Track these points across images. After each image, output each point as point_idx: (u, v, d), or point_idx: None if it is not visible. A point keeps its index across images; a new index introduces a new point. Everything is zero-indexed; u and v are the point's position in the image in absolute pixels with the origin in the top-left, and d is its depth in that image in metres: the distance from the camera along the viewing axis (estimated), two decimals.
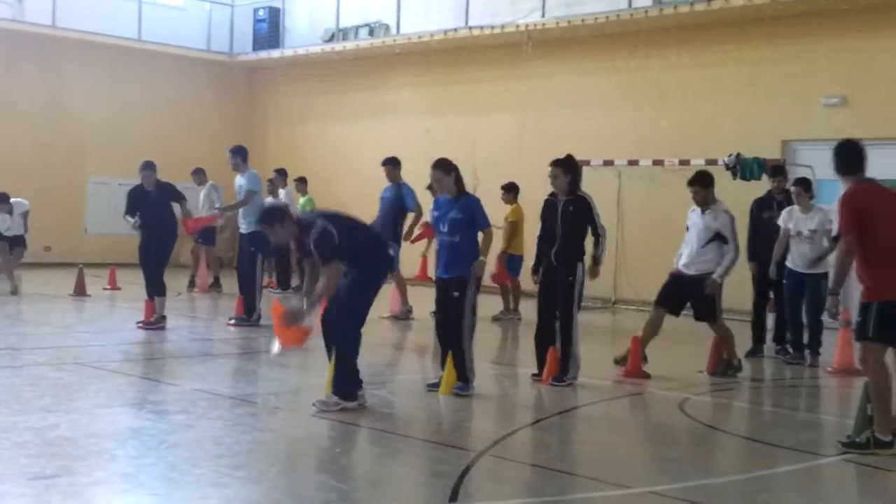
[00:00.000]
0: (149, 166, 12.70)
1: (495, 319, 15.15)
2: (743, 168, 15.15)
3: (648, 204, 17.82)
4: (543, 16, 19.19)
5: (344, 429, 7.55)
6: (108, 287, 17.34)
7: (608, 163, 17.72)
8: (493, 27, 19.75)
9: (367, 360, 8.50)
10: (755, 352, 12.11)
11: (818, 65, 16.53)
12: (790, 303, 11.62)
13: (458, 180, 9.02)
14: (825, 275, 11.08)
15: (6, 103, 21.73)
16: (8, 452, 6.41)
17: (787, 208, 11.61)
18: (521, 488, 6.29)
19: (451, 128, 20.99)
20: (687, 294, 10.56)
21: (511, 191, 15.55)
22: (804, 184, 11.52)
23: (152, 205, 12.56)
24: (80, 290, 16.13)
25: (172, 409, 8.03)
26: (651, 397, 9.57)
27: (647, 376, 10.19)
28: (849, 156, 7.43)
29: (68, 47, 22.35)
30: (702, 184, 10.59)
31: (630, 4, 18.07)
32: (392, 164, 14.40)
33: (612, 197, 17.94)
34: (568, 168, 9.68)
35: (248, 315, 13.13)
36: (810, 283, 11.36)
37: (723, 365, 10.58)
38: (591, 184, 17.41)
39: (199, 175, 18.16)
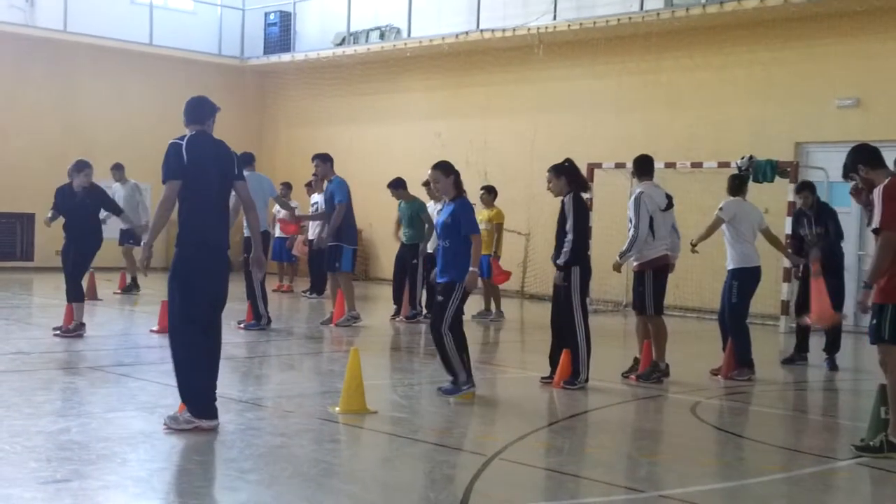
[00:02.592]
0: (77, 166, 12.18)
1: (490, 319, 15.30)
2: (756, 170, 15.08)
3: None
4: (555, 18, 19.17)
5: (355, 432, 7.53)
6: (119, 291, 17.37)
7: (620, 165, 17.66)
8: (504, 30, 19.75)
9: (376, 362, 8.45)
10: (794, 359, 11.92)
11: (831, 67, 16.48)
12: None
13: (458, 184, 8.99)
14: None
15: (17, 107, 21.83)
16: (19, 456, 6.41)
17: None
18: (532, 492, 6.25)
19: (462, 131, 20.98)
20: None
21: (492, 192, 15.59)
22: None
23: (79, 207, 12.09)
24: (91, 295, 16.14)
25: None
26: (663, 400, 9.53)
27: (659, 381, 10.16)
28: (876, 150, 7.43)
29: (79, 52, 22.43)
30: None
31: (642, 7, 18.04)
32: (321, 160, 14.13)
33: (623, 199, 17.83)
34: (558, 172, 9.78)
35: (257, 321, 13.15)
36: (726, 282, 10.87)
37: (650, 367, 10.23)
38: (603, 186, 17.56)
39: (119, 172, 17.41)
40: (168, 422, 7.22)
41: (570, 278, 9.60)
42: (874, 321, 7.11)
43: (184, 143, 7.27)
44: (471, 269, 8.74)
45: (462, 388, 8.82)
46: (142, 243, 7.37)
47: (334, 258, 13.74)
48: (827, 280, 11.46)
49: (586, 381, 9.61)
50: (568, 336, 9.64)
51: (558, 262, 9.67)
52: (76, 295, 11.99)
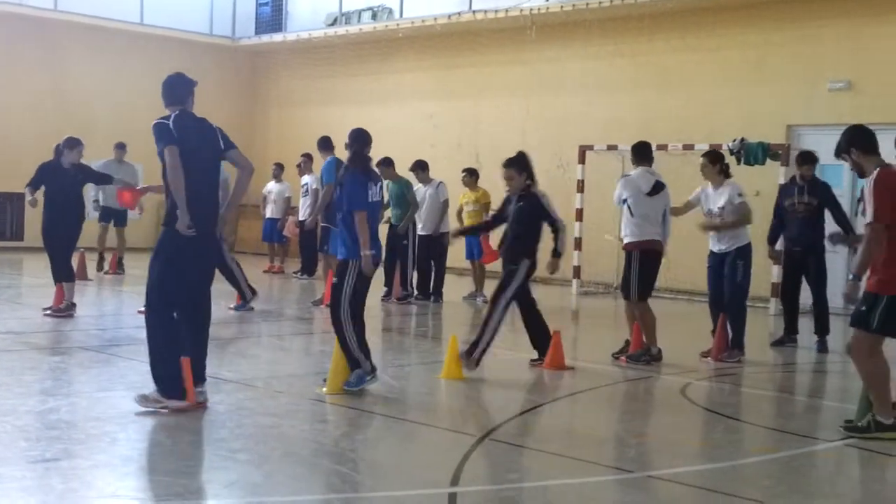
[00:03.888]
0: (69, 143, 12.10)
1: (483, 301, 15.33)
2: (747, 153, 15.07)
3: None
4: (547, 0, 19.10)
5: (345, 413, 7.54)
6: (110, 271, 17.33)
7: (611, 147, 17.65)
8: (496, 11, 19.66)
9: (372, 345, 8.46)
10: (783, 341, 11.90)
11: (824, 49, 16.46)
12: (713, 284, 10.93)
13: (353, 156, 8.50)
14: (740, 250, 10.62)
15: (9, 88, 21.70)
16: (8, 436, 6.40)
17: (701, 189, 10.90)
18: (522, 473, 6.27)
19: (455, 112, 20.94)
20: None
21: (474, 174, 15.72)
22: (711, 156, 10.80)
23: (69, 184, 11.99)
24: (81, 275, 16.09)
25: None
26: (653, 382, 9.55)
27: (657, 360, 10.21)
28: (873, 135, 7.36)
29: (71, 32, 22.30)
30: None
31: None
32: (319, 146, 14.29)
33: (615, 182, 17.86)
34: (521, 167, 9.64)
35: (245, 300, 12.99)
36: (727, 262, 10.64)
37: (641, 349, 10.22)
38: (595, 169, 17.55)
39: (122, 151, 17.38)
40: (138, 399, 7.16)
41: (518, 265, 9.48)
42: (863, 308, 7.06)
43: (170, 121, 7.20)
44: (362, 252, 8.01)
45: (366, 379, 8.16)
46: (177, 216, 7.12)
47: (325, 239, 13.72)
48: (807, 258, 11.53)
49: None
50: (487, 312, 9.56)
51: (557, 248, 9.59)
52: (66, 274, 11.93)
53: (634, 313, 10.30)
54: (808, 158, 11.91)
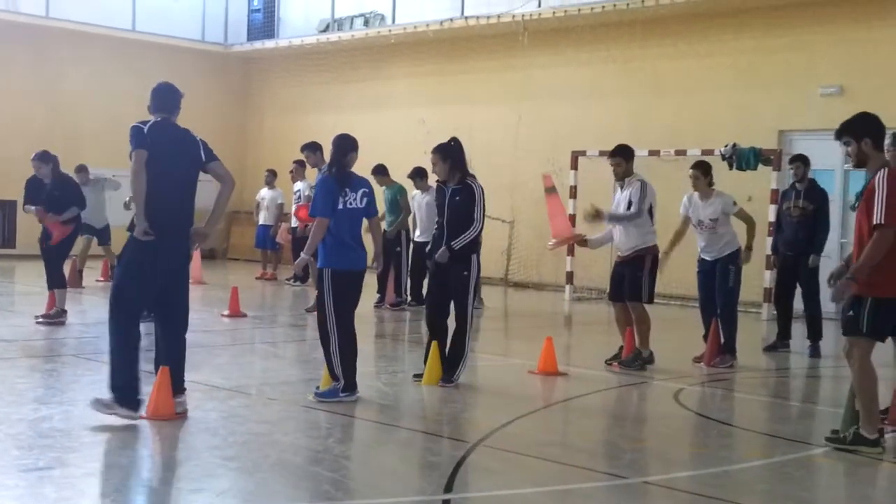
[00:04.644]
0: (38, 157, 12.09)
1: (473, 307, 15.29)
2: (739, 158, 15.12)
3: None
4: (540, 6, 19.15)
5: (339, 420, 7.53)
6: (102, 279, 17.30)
7: (604, 153, 17.61)
8: (489, 17, 19.71)
9: (359, 349, 8.44)
10: (776, 346, 11.92)
11: (815, 55, 16.51)
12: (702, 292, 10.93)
13: (332, 160, 8.36)
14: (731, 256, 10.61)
15: (0, 95, 21.66)
16: (1, 444, 6.39)
17: (687, 195, 10.92)
18: (516, 479, 6.26)
19: (447, 118, 20.92)
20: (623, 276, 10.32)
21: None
22: (703, 168, 10.70)
23: (47, 198, 12.03)
24: (73, 282, 16.06)
25: None
26: (646, 387, 9.56)
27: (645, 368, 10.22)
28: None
29: (62, 38, 22.29)
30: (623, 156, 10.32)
31: None
32: (310, 150, 13.51)
33: (607, 187, 17.88)
34: (446, 154, 9.14)
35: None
36: (717, 269, 10.65)
37: (633, 354, 10.18)
38: (587, 174, 17.57)
39: (84, 174, 16.57)
40: (93, 403, 7.08)
41: (470, 267, 8.99)
42: (850, 312, 6.95)
43: (146, 127, 7.11)
44: (304, 253, 8.21)
45: (340, 395, 8.03)
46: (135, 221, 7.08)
47: None
48: (800, 263, 11.57)
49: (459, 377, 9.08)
50: (457, 332, 9.03)
51: (452, 244, 8.92)
52: (58, 282, 11.95)
53: (628, 315, 10.28)
54: (794, 158, 12.03)
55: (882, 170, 6.87)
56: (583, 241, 10.42)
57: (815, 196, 11.72)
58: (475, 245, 9.14)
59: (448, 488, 5.79)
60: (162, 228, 7.04)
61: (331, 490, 5.78)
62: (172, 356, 7.33)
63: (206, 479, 5.87)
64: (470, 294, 9.03)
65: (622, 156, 10.26)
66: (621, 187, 10.30)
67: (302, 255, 8.29)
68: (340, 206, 8.06)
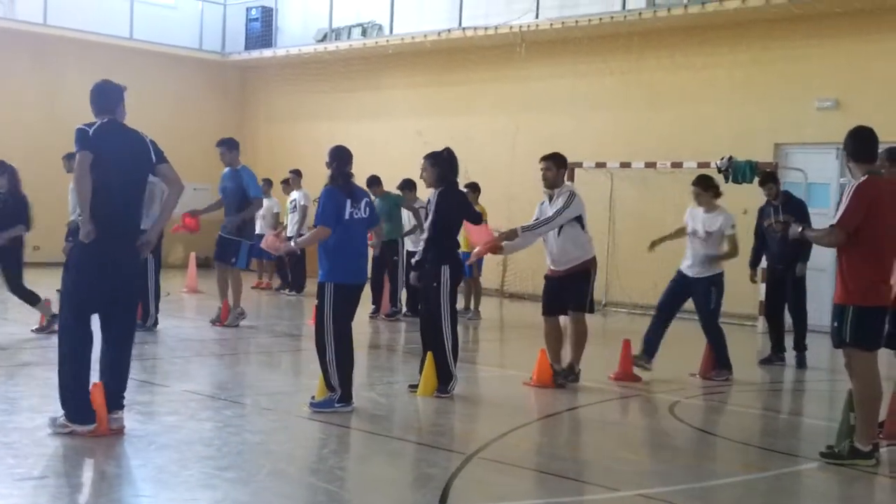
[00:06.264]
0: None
1: (469, 318, 15.32)
2: (735, 171, 15.14)
3: (640, 206, 17.81)
4: (537, 17, 19.17)
5: (333, 430, 7.52)
6: None
7: (600, 165, 17.73)
8: (486, 28, 19.74)
9: (355, 360, 8.44)
10: (771, 359, 11.94)
11: (811, 68, 16.54)
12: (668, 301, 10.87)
13: (335, 174, 8.38)
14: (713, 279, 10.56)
15: None
16: None
17: (689, 209, 10.91)
18: (511, 491, 6.26)
19: (444, 129, 20.92)
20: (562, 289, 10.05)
21: (476, 190, 15.22)
22: (703, 184, 10.73)
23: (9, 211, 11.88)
24: None
25: (162, 411, 8.00)
26: (641, 400, 9.56)
27: (638, 379, 10.21)
28: (869, 142, 7.24)
29: (60, 46, 22.27)
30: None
31: (624, 6, 18.06)
32: (227, 146, 13.37)
33: (604, 199, 17.96)
34: (435, 161, 9.27)
35: (144, 320, 11.97)
36: (698, 289, 10.58)
37: (567, 369, 9.93)
38: (584, 185, 17.54)
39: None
40: (49, 423, 6.93)
41: (440, 278, 8.90)
42: (835, 323, 7.01)
43: (91, 129, 6.92)
44: (292, 243, 8.94)
45: (335, 405, 8.01)
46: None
47: (231, 252, 13.07)
48: (788, 275, 11.61)
49: (453, 389, 9.01)
50: (432, 340, 8.99)
51: (418, 259, 9.11)
52: (31, 299, 11.84)
53: (569, 330, 9.97)
54: (765, 179, 12.07)
55: (863, 178, 7.04)
56: (498, 249, 10.10)
57: (793, 208, 11.73)
58: (445, 256, 9.00)
59: (443, 500, 5.78)
60: (108, 232, 6.83)
61: (325, 501, 5.78)
62: (115, 367, 7.07)
63: (200, 490, 5.86)
64: (442, 305, 8.90)
65: (553, 160, 9.88)
66: (550, 198, 9.93)
67: (292, 244, 8.99)
68: (347, 217, 8.10)
